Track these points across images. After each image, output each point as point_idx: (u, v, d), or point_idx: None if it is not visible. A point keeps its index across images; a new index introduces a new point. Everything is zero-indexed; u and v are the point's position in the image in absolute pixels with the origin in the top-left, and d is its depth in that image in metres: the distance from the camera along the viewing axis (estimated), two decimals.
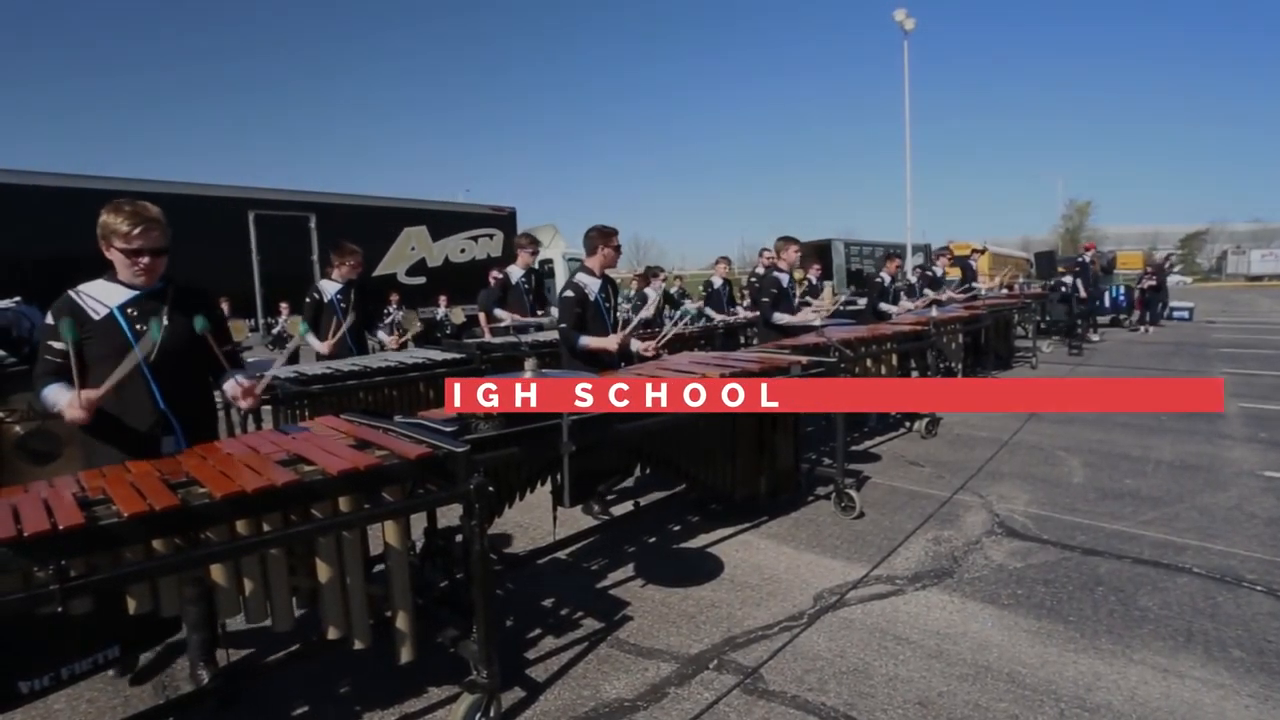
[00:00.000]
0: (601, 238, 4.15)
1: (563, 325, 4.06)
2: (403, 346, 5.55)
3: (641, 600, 3.18)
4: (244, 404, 2.44)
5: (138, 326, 2.28)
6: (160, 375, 2.33)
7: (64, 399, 2.16)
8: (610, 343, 4.06)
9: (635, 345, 4.21)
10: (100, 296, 2.31)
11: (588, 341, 4.06)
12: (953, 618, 2.94)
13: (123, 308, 2.30)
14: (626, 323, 6.70)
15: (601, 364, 4.04)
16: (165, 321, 2.29)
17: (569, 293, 4.08)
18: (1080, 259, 13.63)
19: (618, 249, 4.21)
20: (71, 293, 2.30)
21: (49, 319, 2.27)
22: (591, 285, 4.14)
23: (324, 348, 4.93)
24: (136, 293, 2.33)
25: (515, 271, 6.31)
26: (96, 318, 2.27)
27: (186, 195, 10.99)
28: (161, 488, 1.78)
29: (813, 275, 9.30)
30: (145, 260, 2.29)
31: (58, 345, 2.20)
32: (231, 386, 2.45)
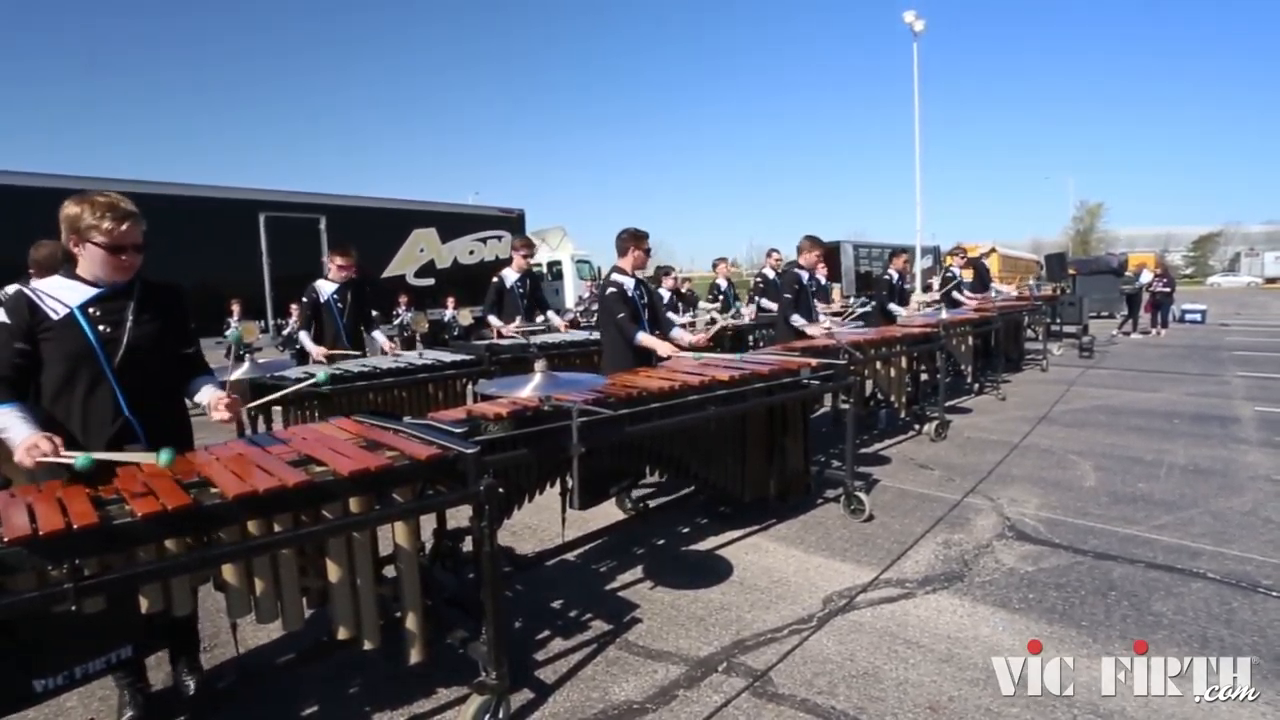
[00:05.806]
0: (633, 240, 4.34)
1: (621, 316, 4.21)
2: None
3: (650, 602, 3.17)
4: (219, 416, 2.22)
5: (100, 328, 2.10)
6: (125, 379, 2.12)
7: (20, 435, 1.89)
8: (664, 348, 4.18)
9: (687, 339, 4.42)
10: (59, 294, 2.09)
11: (643, 338, 4.20)
12: (963, 621, 2.92)
13: (84, 307, 2.10)
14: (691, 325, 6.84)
15: (639, 360, 4.16)
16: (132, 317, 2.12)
17: (612, 289, 4.29)
18: None
19: (648, 251, 4.42)
20: (26, 290, 2.09)
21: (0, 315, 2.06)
22: (627, 283, 4.32)
23: (319, 353, 4.96)
24: (99, 290, 2.13)
25: (510, 275, 6.25)
26: (55, 318, 2.07)
27: (197, 197, 11.09)
28: (174, 488, 1.79)
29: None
30: (127, 257, 2.13)
31: (19, 345, 2.03)
32: (209, 394, 2.28)
